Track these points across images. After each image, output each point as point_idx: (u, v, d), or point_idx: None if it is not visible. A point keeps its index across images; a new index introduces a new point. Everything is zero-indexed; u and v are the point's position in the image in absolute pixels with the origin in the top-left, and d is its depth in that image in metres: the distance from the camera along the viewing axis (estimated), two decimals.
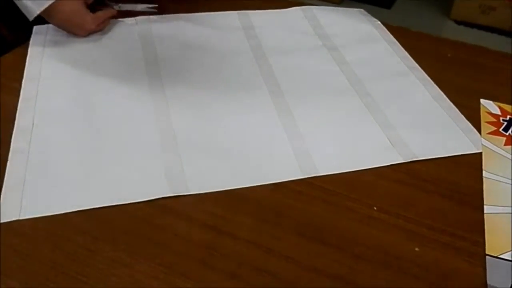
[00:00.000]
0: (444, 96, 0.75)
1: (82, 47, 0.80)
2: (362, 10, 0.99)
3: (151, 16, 0.88)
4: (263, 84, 0.75)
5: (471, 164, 0.64)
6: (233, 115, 0.69)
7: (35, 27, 0.83)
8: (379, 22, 0.94)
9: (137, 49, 0.80)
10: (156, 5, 0.89)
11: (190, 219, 0.54)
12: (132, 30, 0.85)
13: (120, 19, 0.86)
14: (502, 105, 0.74)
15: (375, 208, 0.57)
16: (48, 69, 0.74)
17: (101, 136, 0.63)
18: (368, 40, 0.88)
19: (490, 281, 0.49)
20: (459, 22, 2.41)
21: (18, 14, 0.76)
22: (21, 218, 0.52)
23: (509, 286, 0.49)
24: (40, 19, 0.77)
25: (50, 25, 0.82)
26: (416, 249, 0.53)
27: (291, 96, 0.73)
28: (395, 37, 0.89)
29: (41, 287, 0.46)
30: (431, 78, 0.79)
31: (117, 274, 0.48)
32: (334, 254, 0.51)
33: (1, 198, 0.54)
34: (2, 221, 0.52)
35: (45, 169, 0.58)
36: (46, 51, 0.78)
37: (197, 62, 0.79)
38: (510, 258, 0.52)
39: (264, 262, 0.50)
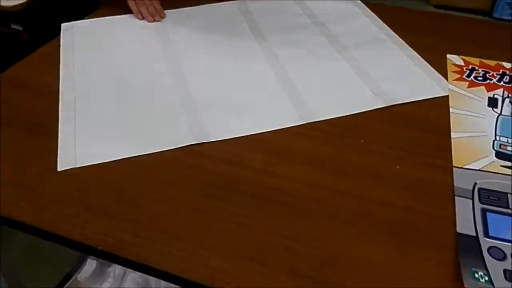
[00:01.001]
0: (417, 54, 0.89)
1: (105, 37, 0.94)
2: None
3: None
4: (261, 54, 0.89)
5: (440, 104, 0.77)
6: (239, 77, 0.83)
7: (63, 25, 0.97)
8: (359, 1, 1.08)
9: (152, 36, 0.94)
10: None
11: (214, 158, 0.67)
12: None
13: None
14: (465, 57, 0.88)
15: (362, 141, 0.70)
16: (80, 55, 0.88)
17: (133, 101, 0.77)
18: (350, 16, 1.02)
19: (456, 183, 0.63)
20: (438, 7, 2.56)
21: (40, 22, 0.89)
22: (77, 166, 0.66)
23: (470, 187, 0.62)
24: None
25: (75, 22, 0.96)
26: (397, 167, 0.66)
27: (287, 61, 0.86)
28: (374, 12, 1.03)
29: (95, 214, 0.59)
30: (406, 43, 0.93)
31: (161, 204, 0.61)
32: (333, 176, 0.64)
33: (59, 151, 0.67)
34: (61, 169, 0.65)
35: (90, 127, 0.72)
36: (75, 41, 0.92)
37: (206, 42, 0.93)
38: (471, 168, 0.65)
39: (278, 184, 0.63)
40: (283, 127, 0.73)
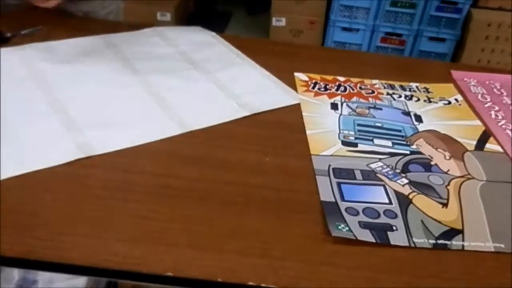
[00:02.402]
0: (270, 74, 1.04)
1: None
2: (199, 27, 1.26)
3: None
4: (132, 78, 0.96)
5: (294, 110, 0.93)
6: (114, 98, 0.90)
7: None
8: (215, 33, 1.22)
9: (19, 68, 0.96)
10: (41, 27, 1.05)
11: (105, 168, 0.72)
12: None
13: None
14: (309, 74, 1.06)
15: (236, 143, 0.81)
16: None
17: (12, 127, 0.79)
18: (209, 45, 1.15)
19: (315, 166, 0.77)
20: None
21: None
22: None
23: (326, 168, 0.77)
24: None
25: None
26: (267, 159, 0.78)
27: (158, 84, 0.95)
28: (229, 42, 1.18)
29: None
30: (260, 65, 1.08)
31: (62, 210, 0.64)
32: (215, 171, 0.74)
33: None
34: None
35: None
36: None
37: (76, 70, 0.97)
38: (325, 154, 0.80)
39: (168, 182, 0.71)
40: (163, 137, 0.81)
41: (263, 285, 0.57)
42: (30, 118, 0.82)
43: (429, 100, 1.00)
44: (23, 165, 0.71)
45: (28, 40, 1.04)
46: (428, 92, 1.04)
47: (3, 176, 0.68)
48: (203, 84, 0.98)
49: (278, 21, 2.85)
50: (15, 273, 1.02)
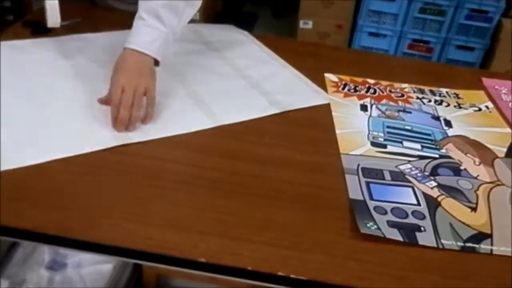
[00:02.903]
0: (300, 74, 1.06)
1: (10, 57, 0.96)
2: (231, 25, 1.28)
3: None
4: (168, 73, 0.98)
5: (324, 110, 0.94)
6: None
7: None
8: (247, 32, 1.24)
9: (57, 59, 0.99)
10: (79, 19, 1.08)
11: (140, 156, 0.74)
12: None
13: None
14: (339, 75, 1.07)
15: (267, 138, 0.83)
16: None
17: (52, 114, 0.82)
18: (240, 43, 1.17)
19: (344, 165, 0.78)
20: None
21: None
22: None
23: (355, 167, 0.78)
24: None
25: None
26: (297, 156, 0.79)
27: (192, 79, 0.97)
28: (260, 41, 1.19)
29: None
30: (290, 64, 1.09)
31: (100, 194, 0.67)
32: (247, 164, 0.76)
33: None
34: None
35: (16, 135, 0.75)
36: None
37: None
38: (354, 154, 0.81)
39: (201, 173, 0.73)
40: (196, 129, 0.83)
41: (292, 275, 0.58)
42: (72, 107, 0.85)
43: (459, 106, 1.00)
44: (65, 150, 0.73)
45: (67, 31, 1.07)
46: (458, 98, 1.04)
47: (47, 159, 0.71)
48: (235, 81, 1.00)
49: (305, 24, 2.86)
50: (46, 255, 1.05)
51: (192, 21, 1.01)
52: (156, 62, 0.87)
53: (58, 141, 0.76)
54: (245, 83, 0.99)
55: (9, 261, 1.01)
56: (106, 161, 0.72)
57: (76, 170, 0.70)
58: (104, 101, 0.83)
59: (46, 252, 1.07)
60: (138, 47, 0.84)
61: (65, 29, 1.07)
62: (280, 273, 0.58)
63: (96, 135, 0.78)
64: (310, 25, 2.83)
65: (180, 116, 0.86)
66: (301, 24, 2.83)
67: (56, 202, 0.64)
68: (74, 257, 1.06)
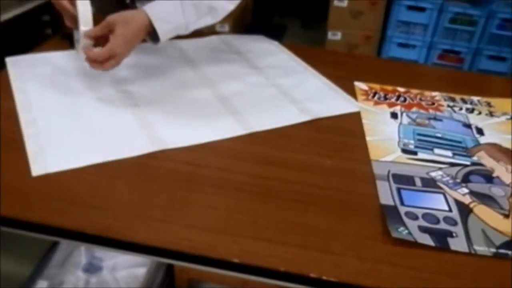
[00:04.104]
0: (330, 82, 1.07)
1: (50, 68, 1.01)
2: (262, 36, 1.30)
3: None
4: (200, 81, 1.01)
5: (354, 117, 0.95)
6: (185, 99, 0.95)
7: (7, 59, 1.02)
8: (277, 42, 1.26)
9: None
10: None
11: (174, 161, 0.77)
12: None
13: None
14: (368, 84, 1.08)
15: (298, 145, 0.84)
16: (32, 83, 0.94)
17: (90, 120, 0.85)
18: (271, 53, 1.19)
19: (375, 171, 0.79)
20: None
21: None
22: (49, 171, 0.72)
23: (386, 173, 0.78)
24: None
25: (20, 56, 1.03)
26: (328, 162, 0.81)
27: (224, 87, 1.00)
28: (289, 50, 1.21)
29: None
30: (320, 73, 1.11)
31: (135, 196, 0.69)
32: (278, 170, 0.77)
33: (30, 160, 0.74)
34: (35, 174, 0.71)
35: (55, 140, 0.79)
36: (24, 72, 0.98)
37: (148, 72, 1.03)
38: (384, 160, 0.82)
39: (233, 178, 0.74)
40: (228, 136, 0.85)
41: (324, 277, 0.59)
42: (108, 113, 0.88)
43: (491, 114, 1.00)
44: (103, 155, 0.76)
45: None
46: (490, 106, 1.03)
47: (86, 163, 0.74)
48: (266, 89, 1.02)
49: (334, 35, 2.87)
50: (83, 258, 1.09)
51: (221, 33, 1.04)
52: (155, 39, 0.92)
53: (96, 146, 0.79)
54: (276, 92, 1.01)
55: (48, 263, 1.05)
56: (141, 166, 0.75)
57: (112, 174, 0.73)
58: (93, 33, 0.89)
59: (83, 255, 1.10)
60: (154, 17, 0.89)
61: None
62: (312, 275, 0.59)
63: (132, 142, 0.80)
64: (338, 36, 2.85)
65: (212, 123, 0.88)
66: (330, 35, 2.85)
67: (93, 203, 0.67)
68: (110, 260, 1.10)
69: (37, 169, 0.72)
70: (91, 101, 0.91)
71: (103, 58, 0.87)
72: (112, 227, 0.63)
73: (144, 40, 0.94)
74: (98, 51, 0.88)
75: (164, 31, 0.93)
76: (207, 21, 0.98)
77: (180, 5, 0.93)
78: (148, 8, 0.91)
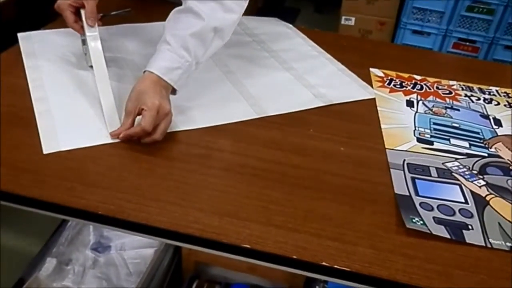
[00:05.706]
0: (345, 68, 1.05)
1: (62, 45, 0.99)
2: (276, 18, 1.28)
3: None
4: (214, 64, 0.99)
5: (369, 104, 0.93)
6: (197, 81, 0.92)
7: (19, 34, 1.01)
8: (291, 25, 1.23)
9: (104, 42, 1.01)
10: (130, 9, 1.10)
11: (186, 144, 0.76)
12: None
13: None
14: (384, 70, 1.05)
15: (311, 130, 0.83)
16: (43, 60, 0.93)
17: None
18: (285, 36, 1.17)
19: (390, 160, 0.77)
20: None
21: None
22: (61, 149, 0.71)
23: (401, 162, 0.77)
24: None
25: (33, 32, 1.01)
26: (342, 148, 0.79)
27: (237, 70, 0.98)
28: (305, 34, 1.19)
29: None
30: (335, 58, 1.09)
31: (146, 177, 0.68)
32: (291, 155, 0.76)
33: (41, 137, 0.73)
34: (46, 152, 0.70)
35: (67, 118, 0.78)
36: (36, 48, 0.97)
37: None
38: (399, 149, 0.80)
39: (246, 161, 0.73)
40: (241, 119, 0.83)
41: (336, 266, 0.58)
42: (122, 95, 0.86)
43: (510, 105, 0.97)
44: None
45: (117, 21, 1.10)
46: (509, 97, 1.01)
47: (95, 143, 0.73)
48: (280, 73, 1.00)
49: (348, 20, 2.82)
50: (91, 237, 1.09)
51: None
52: (173, 91, 0.81)
53: (109, 126, 0.78)
54: (290, 76, 0.99)
55: (56, 241, 1.05)
56: (153, 147, 0.74)
57: (124, 153, 0.72)
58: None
59: (91, 234, 1.10)
60: (159, 72, 0.77)
61: (116, 19, 1.10)
62: (324, 263, 0.58)
63: None
64: (352, 21, 2.80)
65: (225, 106, 0.87)
66: (343, 20, 2.80)
67: (105, 183, 0.66)
68: (118, 240, 1.10)
69: (48, 147, 0.71)
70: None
71: (138, 136, 0.75)
72: (124, 209, 0.62)
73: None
74: (131, 131, 0.75)
75: (175, 80, 0.79)
76: (217, 44, 0.86)
77: (182, 47, 0.79)
78: (150, 68, 0.78)
